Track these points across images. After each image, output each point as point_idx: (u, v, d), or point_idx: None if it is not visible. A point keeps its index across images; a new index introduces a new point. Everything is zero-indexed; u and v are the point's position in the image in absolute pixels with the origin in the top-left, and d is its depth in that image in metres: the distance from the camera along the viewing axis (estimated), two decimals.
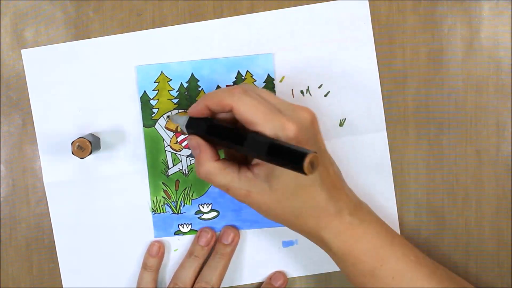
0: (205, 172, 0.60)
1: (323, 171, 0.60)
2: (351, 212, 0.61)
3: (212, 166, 0.60)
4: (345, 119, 0.70)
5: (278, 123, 0.56)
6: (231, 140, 0.58)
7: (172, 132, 0.70)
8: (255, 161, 0.60)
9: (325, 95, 0.70)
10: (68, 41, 0.69)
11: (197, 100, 0.69)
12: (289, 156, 0.52)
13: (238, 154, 0.63)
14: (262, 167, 0.59)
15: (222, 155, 0.65)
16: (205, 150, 0.60)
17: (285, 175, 0.58)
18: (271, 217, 0.61)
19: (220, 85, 0.69)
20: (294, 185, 0.58)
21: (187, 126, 0.62)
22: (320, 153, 0.60)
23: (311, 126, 0.59)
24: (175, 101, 0.69)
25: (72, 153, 0.63)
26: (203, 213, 0.71)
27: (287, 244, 0.71)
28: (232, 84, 0.69)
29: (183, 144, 0.70)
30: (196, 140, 0.61)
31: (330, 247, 0.61)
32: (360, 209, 0.62)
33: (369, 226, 0.61)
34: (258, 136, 0.56)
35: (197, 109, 0.61)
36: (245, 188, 0.59)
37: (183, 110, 0.70)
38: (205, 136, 0.61)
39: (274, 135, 0.56)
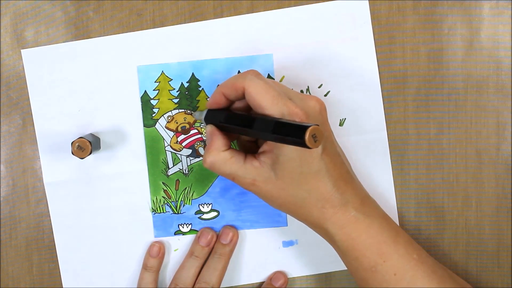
0: (210, 161, 0.61)
1: (329, 161, 0.60)
2: (357, 206, 0.61)
3: (218, 156, 0.60)
4: (345, 119, 0.70)
5: (285, 108, 0.57)
6: (242, 124, 0.59)
7: (172, 132, 0.70)
8: (262, 148, 0.60)
9: (325, 95, 0.70)
10: (68, 41, 0.69)
11: (197, 99, 0.69)
12: (292, 131, 0.53)
13: (251, 146, 0.64)
14: (268, 154, 0.59)
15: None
16: (216, 140, 0.61)
17: (290, 162, 0.58)
18: (276, 205, 0.61)
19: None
20: (299, 172, 0.58)
21: (206, 119, 0.63)
22: (327, 142, 0.60)
23: (319, 115, 0.60)
24: (176, 101, 0.69)
25: (72, 153, 0.63)
26: (203, 213, 0.71)
27: (287, 244, 0.71)
28: None
29: (183, 144, 0.70)
30: (212, 129, 0.62)
31: (334, 240, 0.61)
32: (366, 204, 0.62)
33: (373, 221, 0.61)
34: (265, 117, 0.57)
35: (214, 98, 0.62)
36: (250, 176, 0.60)
37: (183, 110, 0.70)
38: (222, 126, 0.62)
39: (281, 117, 0.57)
